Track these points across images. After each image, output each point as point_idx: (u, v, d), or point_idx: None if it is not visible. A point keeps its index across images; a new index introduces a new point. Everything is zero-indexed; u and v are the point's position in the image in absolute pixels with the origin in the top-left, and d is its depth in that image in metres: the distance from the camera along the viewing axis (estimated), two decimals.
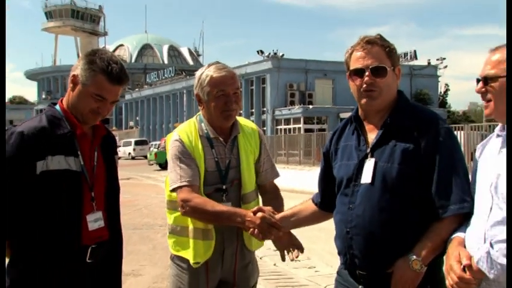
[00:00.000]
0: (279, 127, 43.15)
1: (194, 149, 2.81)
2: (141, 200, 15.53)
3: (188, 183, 2.69)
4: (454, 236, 2.08)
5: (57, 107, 2.51)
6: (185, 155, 2.78)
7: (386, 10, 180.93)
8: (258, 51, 46.09)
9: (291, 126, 41.64)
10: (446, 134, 2.22)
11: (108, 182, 2.61)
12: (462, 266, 1.94)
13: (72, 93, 2.47)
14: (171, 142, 2.89)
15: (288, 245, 2.68)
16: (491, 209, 1.95)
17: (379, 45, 2.28)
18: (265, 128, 43.81)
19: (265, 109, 46.37)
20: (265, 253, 6.66)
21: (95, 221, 2.47)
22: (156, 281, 6.35)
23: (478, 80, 2.02)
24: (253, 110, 47.98)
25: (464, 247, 2.00)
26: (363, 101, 2.31)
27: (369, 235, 2.22)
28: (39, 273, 2.36)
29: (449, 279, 1.96)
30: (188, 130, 2.88)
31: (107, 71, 2.39)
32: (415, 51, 44.53)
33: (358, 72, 2.28)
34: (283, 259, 2.74)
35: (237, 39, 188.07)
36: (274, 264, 6.74)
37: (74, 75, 2.45)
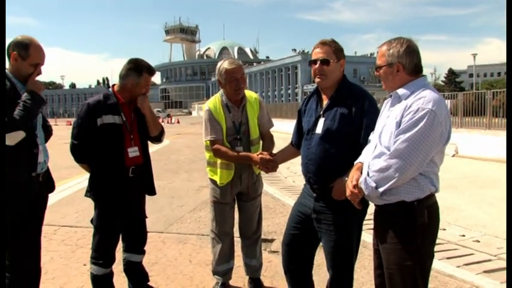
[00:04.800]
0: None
1: (218, 114, 3.69)
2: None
3: (215, 138, 3.65)
4: (357, 161, 2.68)
5: (110, 90, 3.54)
6: (212, 119, 3.68)
7: (372, 23, 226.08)
8: (292, 49, 67.94)
9: None
10: (370, 104, 2.93)
11: (139, 130, 3.58)
12: (353, 184, 2.56)
13: (123, 86, 3.47)
14: (204, 110, 3.80)
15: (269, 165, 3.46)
16: (375, 147, 2.51)
17: (328, 45, 2.98)
18: (297, 97, 63.32)
19: (297, 85, 66.64)
20: (289, 174, 10.63)
21: (133, 151, 3.50)
22: (201, 186, 9.05)
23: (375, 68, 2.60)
24: (290, 86, 69.30)
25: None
26: (316, 80, 3.02)
27: (319, 165, 2.98)
28: (105, 181, 3.48)
29: (346, 191, 2.60)
30: (214, 102, 3.77)
31: (149, 70, 3.47)
32: None
33: (314, 62, 2.98)
34: (267, 172, 3.57)
35: (279, 41, 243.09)
36: (293, 181, 9.44)
37: (130, 79, 3.43)
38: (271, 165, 3.46)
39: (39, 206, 3.24)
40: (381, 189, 2.39)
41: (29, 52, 2.99)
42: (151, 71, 3.54)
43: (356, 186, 2.53)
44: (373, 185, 2.41)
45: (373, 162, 2.46)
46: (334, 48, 3.00)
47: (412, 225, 2.40)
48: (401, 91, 2.47)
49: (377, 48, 2.61)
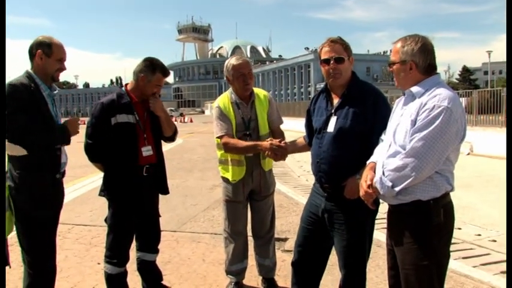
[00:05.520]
0: None
1: (228, 111, 3.73)
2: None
3: (225, 133, 3.67)
4: (369, 161, 2.65)
5: (123, 89, 3.59)
6: (222, 116, 3.72)
7: (384, 21, 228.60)
8: (305, 48, 68.42)
9: None
10: (382, 102, 2.93)
11: (153, 129, 3.60)
12: (367, 184, 2.52)
13: (136, 83, 3.51)
14: (214, 107, 3.87)
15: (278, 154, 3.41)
16: (389, 146, 2.47)
17: (339, 43, 2.92)
18: (310, 96, 63.13)
19: (310, 83, 67.12)
20: (302, 173, 10.75)
21: (146, 150, 3.53)
22: (215, 185, 9.00)
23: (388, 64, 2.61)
24: (302, 85, 69.78)
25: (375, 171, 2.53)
26: (330, 79, 2.96)
27: (331, 163, 2.93)
28: (119, 180, 3.51)
29: (360, 191, 2.57)
30: (223, 100, 3.81)
31: (163, 70, 3.53)
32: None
33: (327, 61, 2.92)
34: (275, 160, 3.57)
35: (291, 40, 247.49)
36: (306, 180, 9.14)
37: (143, 76, 3.45)
38: (280, 151, 3.40)
39: (61, 205, 3.32)
40: (397, 189, 2.36)
41: (52, 49, 3.11)
42: (165, 71, 3.56)
43: (370, 186, 2.50)
44: (389, 184, 2.37)
45: (388, 162, 2.42)
46: (344, 46, 2.96)
47: (428, 225, 2.37)
48: (415, 89, 2.45)
49: (392, 44, 2.57)
